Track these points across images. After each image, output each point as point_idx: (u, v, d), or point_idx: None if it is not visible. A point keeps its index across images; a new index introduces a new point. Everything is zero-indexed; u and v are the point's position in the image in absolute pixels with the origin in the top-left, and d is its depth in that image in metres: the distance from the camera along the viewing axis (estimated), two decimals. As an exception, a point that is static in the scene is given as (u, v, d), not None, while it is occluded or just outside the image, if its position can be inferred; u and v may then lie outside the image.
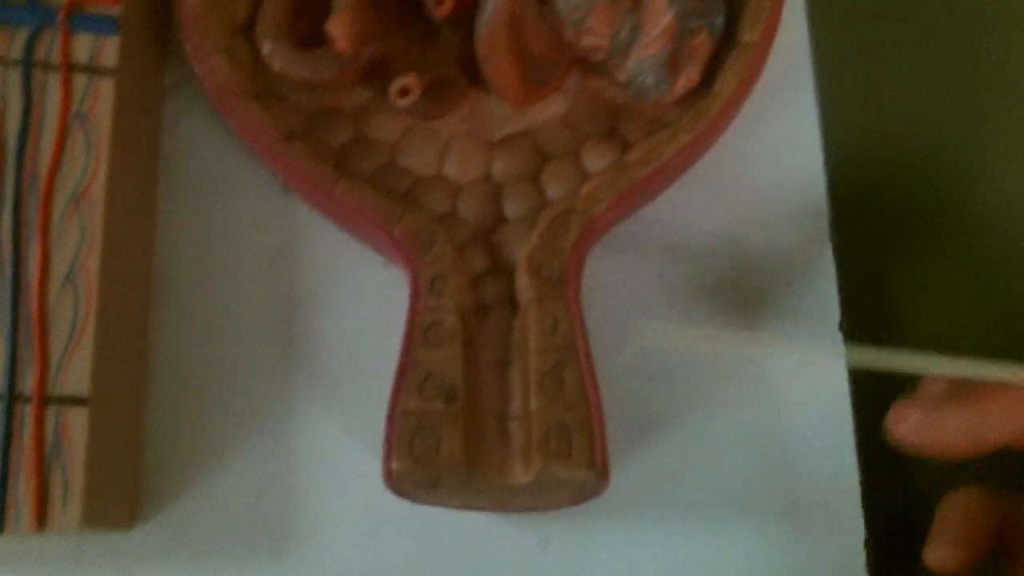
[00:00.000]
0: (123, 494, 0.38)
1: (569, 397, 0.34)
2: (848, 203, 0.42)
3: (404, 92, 0.38)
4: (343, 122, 0.40)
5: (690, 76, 0.38)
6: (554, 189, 0.39)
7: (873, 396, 0.41)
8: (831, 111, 0.43)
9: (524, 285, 0.36)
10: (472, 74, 0.39)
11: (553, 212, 0.37)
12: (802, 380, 0.40)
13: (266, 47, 0.39)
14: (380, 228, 0.37)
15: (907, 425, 0.33)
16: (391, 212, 0.37)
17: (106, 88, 0.39)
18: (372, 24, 0.38)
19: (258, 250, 0.41)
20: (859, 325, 0.41)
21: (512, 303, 0.37)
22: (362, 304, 0.40)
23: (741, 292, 0.41)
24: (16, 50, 0.39)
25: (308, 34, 0.40)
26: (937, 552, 0.34)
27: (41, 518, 0.35)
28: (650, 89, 0.38)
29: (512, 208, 0.39)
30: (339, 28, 0.37)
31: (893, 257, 0.44)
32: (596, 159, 0.39)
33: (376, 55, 0.39)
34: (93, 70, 0.40)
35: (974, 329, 0.43)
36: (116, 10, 0.40)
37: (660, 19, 0.37)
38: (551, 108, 0.40)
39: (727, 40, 0.39)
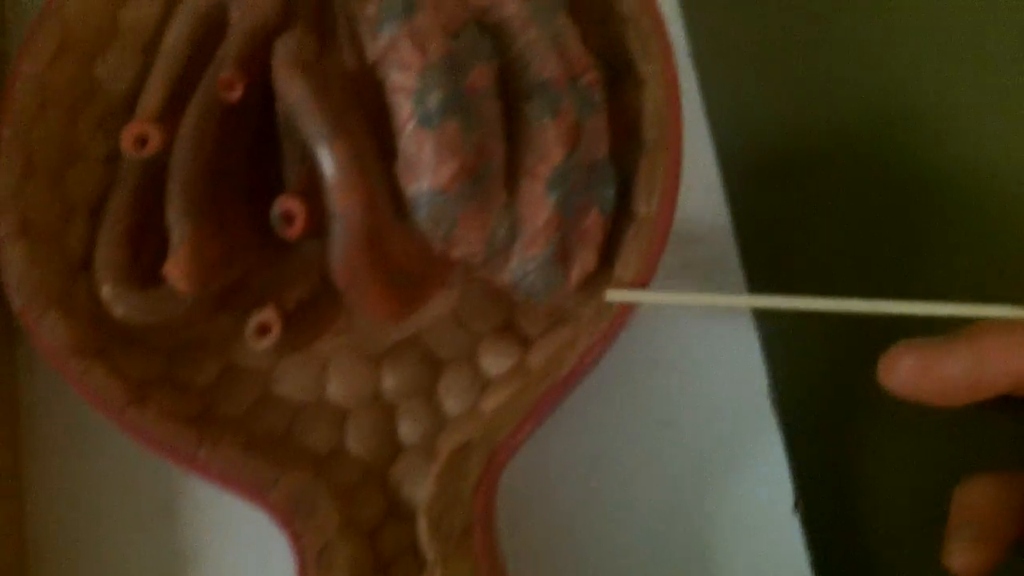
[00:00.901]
0: None
1: (491, 676, 0.30)
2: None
3: (263, 330, 0.33)
4: (208, 355, 0.36)
5: (585, 263, 0.34)
6: (452, 403, 0.35)
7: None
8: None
9: (425, 540, 0.32)
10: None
11: (451, 445, 0.33)
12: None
13: (105, 291, 0.34)
14: (253, 495, 0.32)
15: (901, 371, 0.30)
16: (263, 477, 0.33)
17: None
18: (216, 254, 0.34)
19: (135, 507, 0.37)
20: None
21: (416, 554, 0.32)
22: (257, 562, 0.36)
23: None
24: None
25: (154, 264, 0.35)
26: (961, 553, 0.31)
27: None
28: (541, 291, 0.33)
29: (407, 431, 0.35)
30: (177, 270, 0.33)
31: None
32: (494, 360, 0.35)
33: (227, 283, 0.35)
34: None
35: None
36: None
37: (540, 211, 0.32)
38: (438, 306, 0.36)
39: (621, 212, 0.34)
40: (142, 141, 0.35)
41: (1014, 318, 0.30)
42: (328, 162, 0.31)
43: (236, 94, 0.34)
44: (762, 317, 0.37)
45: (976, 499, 0.31)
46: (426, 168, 0.31)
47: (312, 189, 0.33)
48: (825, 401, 0.34)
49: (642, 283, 0.33)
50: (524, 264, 0.33)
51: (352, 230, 0.31)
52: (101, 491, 0.37)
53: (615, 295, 0.33)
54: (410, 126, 0.31)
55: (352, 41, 0.34)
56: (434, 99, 0.31)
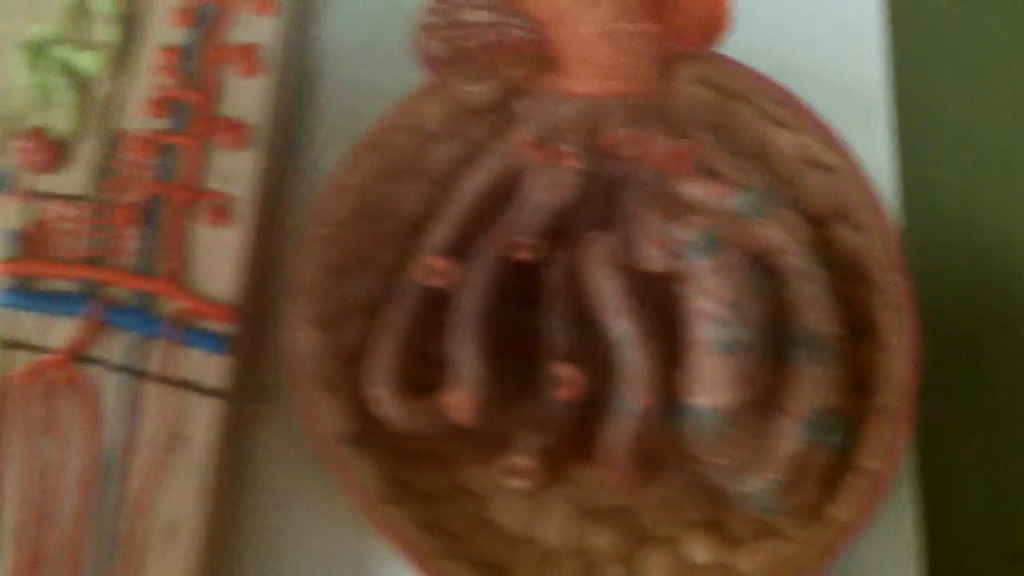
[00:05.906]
0: None
1: None
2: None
3: (517, 472, 0.37)
4: (439, 470, 0.40)
5: (807, 494, 0.37)
6: (651, 580, 0.39)
7: None
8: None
9: None
10: (580, 444, 0.39)
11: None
12: None
13: (378, 392, 0.38)
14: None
15: None
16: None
17: (210, 410, 0.38)
18: (489, 396, 0.38)
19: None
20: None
21: None
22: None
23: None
24: (117, 355, 0.38)
25: (414, 379, 0.39)
26: None
27: None
28: (761, 507, 0.37)
29: (603, 593, 0.38)
30: (465, 405, 0.37)
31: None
32: (697, 550, 0.38)
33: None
34: (200, 390, 0.39)
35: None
36: (228, 327, 0.39)
37: (789, 445, 0.36)
38: (655, 485, 0.40)
39: (841, 460, 0.38)
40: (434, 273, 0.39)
41: None
42: (637, 362, 0.35)
43: (526, 255, 0.39)
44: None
45: None
46: (717, 388, 0.35)
47: (575, 357, 0.37)
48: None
49: (856, 530, 0.37)
50: (761, 484, 0.37)
51: (642, 425, 0.35)
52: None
53: None
54: (709, 347, 0.35)
55: (627, 239, 0.38)
56: (742, 333, 0.35)
